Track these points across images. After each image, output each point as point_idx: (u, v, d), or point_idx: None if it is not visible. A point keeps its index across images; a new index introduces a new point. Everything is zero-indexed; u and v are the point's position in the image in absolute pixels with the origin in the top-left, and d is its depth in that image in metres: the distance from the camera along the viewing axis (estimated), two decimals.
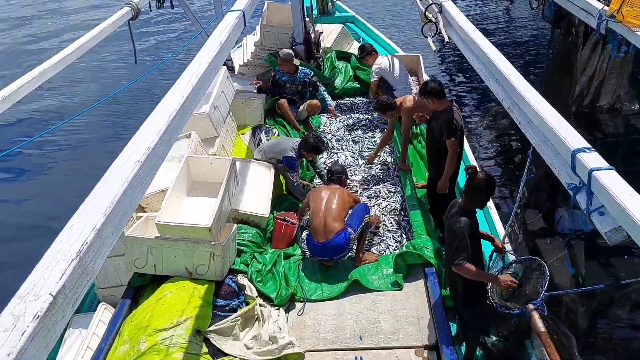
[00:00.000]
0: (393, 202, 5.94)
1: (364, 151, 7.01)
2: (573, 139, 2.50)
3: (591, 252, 6.53)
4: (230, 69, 6.27)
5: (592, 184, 2.26)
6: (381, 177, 6.44)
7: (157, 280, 4.48)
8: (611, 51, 5.67)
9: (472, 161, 6.55)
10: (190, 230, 4.39)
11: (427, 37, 5.14)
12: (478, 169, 3.96)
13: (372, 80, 7.57)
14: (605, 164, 2.29)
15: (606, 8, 5.41)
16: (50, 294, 1.39)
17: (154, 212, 4.87)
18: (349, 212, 5.10)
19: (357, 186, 6.29)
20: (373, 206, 5.88)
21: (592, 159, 2.33)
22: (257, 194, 5.56)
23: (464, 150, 5.58)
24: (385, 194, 6.09)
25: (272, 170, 5.94)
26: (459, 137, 4.91)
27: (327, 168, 5.75)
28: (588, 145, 2.44)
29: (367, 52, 7.78)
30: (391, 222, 5.64)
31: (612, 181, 2.16)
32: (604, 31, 5.50)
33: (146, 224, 4.70)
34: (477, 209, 4.01)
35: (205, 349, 3.80)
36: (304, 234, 5.49)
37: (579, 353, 4.98)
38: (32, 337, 1.32)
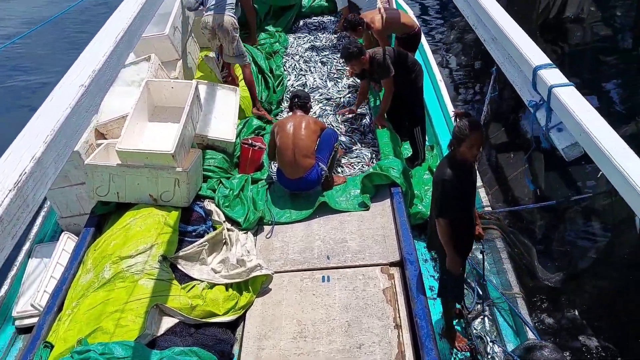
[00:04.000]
0: (360, 125, 5.91)
1: (333, 72, 6.87)
2: (535, 56, 2.45)
3: (550, 167, 6.67)
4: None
5: (551, 100, 2.24)
6: (350, 100, 6.35)
7: (122, 208, 4.44)
8: None
9: (445, 93, 6.52)
10: (153, 157, 4.31)
11: None
12: (463, 114, 3.58)
13: (340, 8, 7.25)
14: (565, 80, 2.25)
15: None
16: None
17: (115, 139, 4.74)
18: (317, 143, 4.97)
19: (330, 111, 6.18)
20: (340, 129, 5.83)
21: (553, 76, 2.29)
22: (222, 118, 5.44)
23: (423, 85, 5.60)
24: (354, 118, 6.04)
25: (238, 94, 5.79)
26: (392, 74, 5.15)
27: (293, 91, 5.57)
28: (550, 62, 2.40)
29: None
30: (358, 144, 5.63)
31: (571, 98, 2.14)
32: None
33: (107, 151, 4.59)
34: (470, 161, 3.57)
35: (172, 275, 3.82)
36: (274, 164, 5.33)
37: (539, 261, 5.21)
38: None
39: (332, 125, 5.88)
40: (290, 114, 5.23)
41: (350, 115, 6.01)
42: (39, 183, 1.53)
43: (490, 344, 4.02)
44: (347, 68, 6.61)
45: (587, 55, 8.98)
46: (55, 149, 1.63)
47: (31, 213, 1.48)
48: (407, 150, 5.69)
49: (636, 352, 4.65)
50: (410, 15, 7.18)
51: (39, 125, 1.65)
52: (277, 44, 7.39)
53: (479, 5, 3.04)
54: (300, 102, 5.20)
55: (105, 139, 4.88)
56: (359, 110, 6.06)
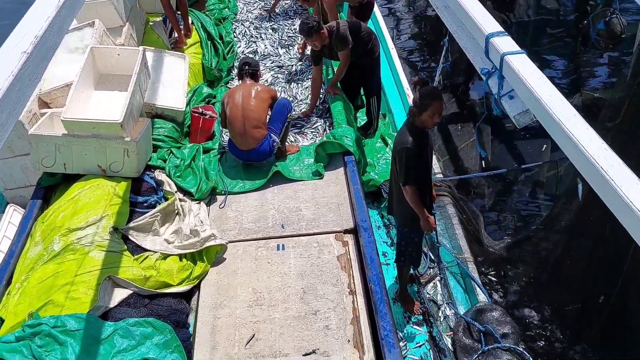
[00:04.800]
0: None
1: (284, 39, 6.77)
2: (488, 23, 2.49)
3: (498, 137, 6.87)
4: None
5: (503, 68, 2.29)
6: (303, 69, 6.29)
7: (69, 180, 4.30)
8: None
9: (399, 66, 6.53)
10: (100, 127, 4.17)
11: None
12: (423, 82, 3.64)
13: None
14: (517, 48, 2.31)
15: None
16: None
17: (59, 108, 4.55)
18: (269, 113, 4.89)
19: (281, 79, 6.11)
20: (293, 100, 5.77)
21: (505, 44, 2.34)
22: (171, 86, 5.29)
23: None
24: (306, 87, 5.98)
25: (187, 61, 5.63)
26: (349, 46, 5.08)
27: (242, 59, 5.46)
28: (502, 29, 2.44)
29: None
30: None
31: (522, 65, 2.19)
32: None
33: (51, 121, 4.41)
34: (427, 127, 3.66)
35: (124, 247, 3.75)
36: (225, 134, 5.22)
37: (485, 229, 5.40)
38: None
39: (286, 94, 5.83)
40: (240, 82, 5.12)
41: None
42: None
43: (444, 306, 4.16)
44: (298, 45, 6.54)
45: (531, 27, 9.20)
46: None
47: None
48: (360, 119, 5.72)
49: (574, 317, 4.92)
50: None
51: None
52: (227, 9, 7.22)
53: None
54: (251, 69, 5.07)
55: (50, 108, 4.67)
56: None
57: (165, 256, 3.86)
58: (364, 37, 5.23)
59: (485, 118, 6.66)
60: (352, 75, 5.45)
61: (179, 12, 6.28)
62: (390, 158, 3.99)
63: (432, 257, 4.50)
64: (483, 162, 6.55)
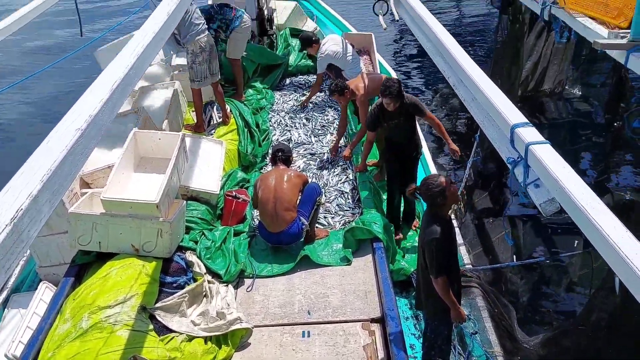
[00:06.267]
0: (344, 181, 5.99)
1: (317, 129, 7.02)
2: (512, 114, 2.58)
3: (532, 228, 6.79)
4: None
5: (528, 157, 2.35)
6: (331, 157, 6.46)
7: (102, 258, 4.39)
8: (554, 37, 5.84)
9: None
10: (137, 207, 4.31)
11: (378, 15, 5.18)
12: (416, 188, 3.88)
13: (318, 72, 7.36)
14: (541, 138, 2.38)
15: None
16: None
17: (99, 188, 4.75)
18: (299, 196, 5.01)
19: (313, 165, 6.29)
20: (324, 186, 5.89)
21: (530, 134, 2.42)
22: (207, 170, 5.50)
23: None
24: (336, 174, 6.13)
25: (224, 147, 5.88)
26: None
27: (275, 145, 5.65)
28: (526, 120, 2.53)
29: (307, 44, 7.61)
30: (342, 198, 5.70)
31: (547, 154, 2.25)
32: (548, 17, 5.65)
33: (91, 201, 4.59)
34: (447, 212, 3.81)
35: (151, 326, 3.75)
36: (256, 217, 5.32)
37: (518, 323, 5.21)
38: None
39: (317, 180, 5.95)
40: (273, 167, 5.30)
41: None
42: (34, 220, 1.56)
43: None
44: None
45: (563, 127, 9.35)
46: (50, 188, 1.66)
47: (24, 249, 1.50)
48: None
49: None
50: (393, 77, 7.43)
51: (37, 164, 1.70)
52: (264, 100, 7.57)
53: (459, 67, 3.21)
54: (284, 155, 5.27)
55: (90, 188, 4.89)
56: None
57: (190, 338, 3.84)
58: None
59: (513, 204, 6.64)
60: (405, 158, 5.36)
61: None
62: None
63: (461, 351, 4.36)
64: (514, 255, 6.45)
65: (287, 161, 5.31)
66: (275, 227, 4.82)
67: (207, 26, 6.23)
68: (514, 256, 6.45)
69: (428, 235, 3.61)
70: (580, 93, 9.99)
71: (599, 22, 4.64)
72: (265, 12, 8.37)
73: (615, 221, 1.77)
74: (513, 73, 8.85)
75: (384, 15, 5.21)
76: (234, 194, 5.40)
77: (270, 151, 6.47)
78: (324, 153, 6.52)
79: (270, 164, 5.84)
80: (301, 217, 4.85)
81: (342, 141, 6.49)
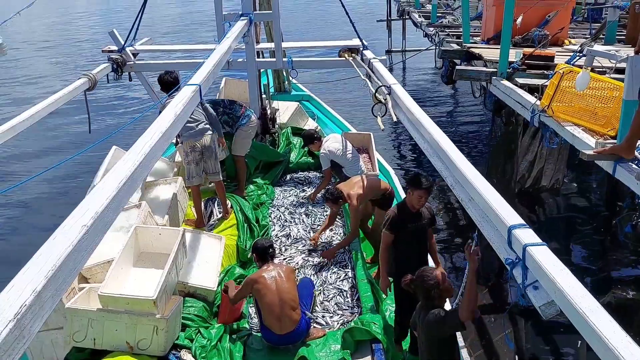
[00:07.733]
0: (342, 279, 5.94)
1: (316, 224, 7.07)
2: (509, 216, 2.64)
3: (534, 327, 6.66)
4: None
5: (526, 259, 2.38)
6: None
7: (96, 355, 4.29)
8: (544, 142, 6.03)
9: None
10: (134, 302, 4.27)
11: (377, 117, 5.39)
12: (411, 279, 3.95)
13: (324, 169, 7.54)
14: (538, 240, 2.42)
15: (538, 102, 5.79)
16: None
17: (97, 283, 4.72)
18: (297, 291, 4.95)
19: (311, 262, 6.27)
20: (322, 284, 5.83)
21: (527, 235, 2.46)
22: (205, 266, 5.48)
23: None
24: (334, 271, 6.09)
25: (223, 242, 5.89)
26: None
27: (260, 241, 5.41)
28: (523, 222, 2.58)
29: (309, 141, 7.86)
30: (341, 296, 5.63)
31: (544, 257, 2.28)
32: (537, 124, 5.86)
33: (88, 296, 4.55)
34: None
35: None
36: (255, 316, 5.16)
37: None
38: None
39: (316, 278, 5.90)
40: (265, 266, 4.99)
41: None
42: (37, 316, 1.56)
43: None
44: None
45: (561, 222, 9.42)
46: (54, 284, 1.68)
47: (25, 345, 1.50)
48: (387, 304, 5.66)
49: None
50: (394, 179, 7.65)
51: (42, 260, 1.73)
52: (264, 195, 7.68)
53: (455, 167, 3.31)
54: (274, 252, 5.17)
55: (88, 282, 4.86)
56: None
57: None
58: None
59: (514, 305, 6.56)
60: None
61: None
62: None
63: None
64: (516, 356, 6.27)
65: (274, 256, 5.20)
66: (284, 329, 4.73)
67: (208, 127, 6.41)
68: (516, 358, 6.28)
69: (438, 321, 3.66)
70: (577, 189, 10.17)
71: (587, 130, 4.83)
72: (269, 112, 8.71)
73: (614, 325, 1.78)
74: (509, 171, 9.04)
75: (382, 116, 5.41)
76: None
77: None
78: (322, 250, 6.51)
79: (257, 261, 5.28)
80: (306, 312, 4.82)
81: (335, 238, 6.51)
